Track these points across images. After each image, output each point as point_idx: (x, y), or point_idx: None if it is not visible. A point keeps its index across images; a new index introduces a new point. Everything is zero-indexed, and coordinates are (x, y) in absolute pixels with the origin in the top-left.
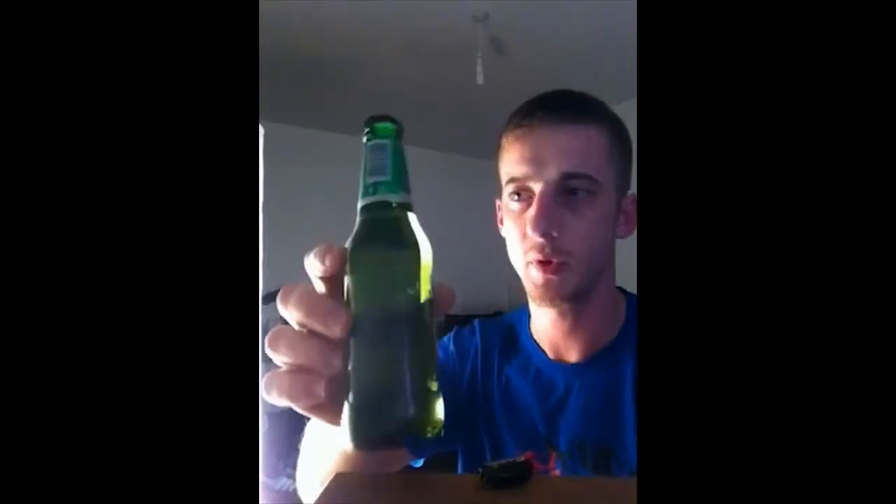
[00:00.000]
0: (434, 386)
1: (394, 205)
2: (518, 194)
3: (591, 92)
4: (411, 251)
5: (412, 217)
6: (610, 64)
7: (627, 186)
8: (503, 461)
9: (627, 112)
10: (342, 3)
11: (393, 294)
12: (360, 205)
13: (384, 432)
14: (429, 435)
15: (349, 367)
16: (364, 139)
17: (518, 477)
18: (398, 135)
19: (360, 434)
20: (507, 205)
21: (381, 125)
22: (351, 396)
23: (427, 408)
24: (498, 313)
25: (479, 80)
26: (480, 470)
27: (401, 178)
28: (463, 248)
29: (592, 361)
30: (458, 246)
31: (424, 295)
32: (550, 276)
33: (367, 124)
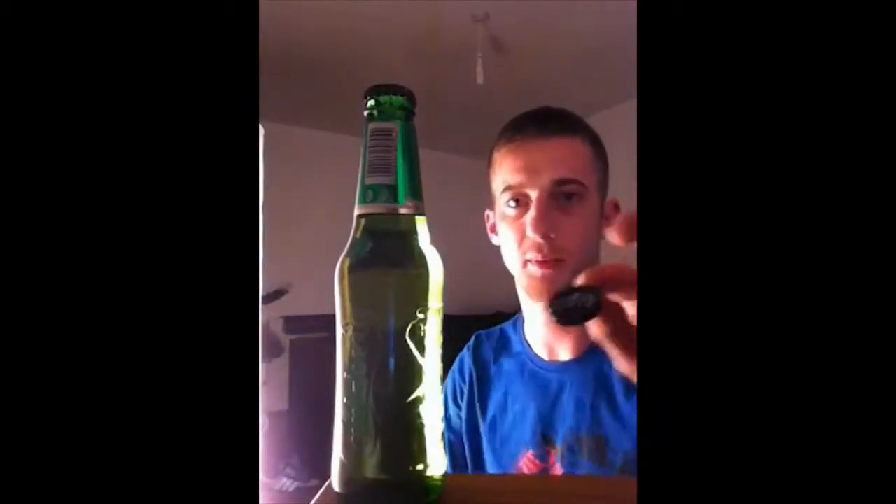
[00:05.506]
0: (438, 432)
1: (399, 217)
2: (516, 200)
3: (590, 92)
4: (417, 273)
5: (421, 228)
6: (610, 64)
7: (606, 192)
8: (574, 294)
9: (627, 112)
10: (342, 3)
11: (393, 322)
12: (357, 210)
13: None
14: (431, 497)
15: (343, 403)
16: (365, 114)
17: (589, 310)
18: (409, 114)
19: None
20: (504, 211)
21: (387, 98)
22: (342, 441)
23: (431, 463)
24: (498, 313)
25: (479, 80)
26: (551, 306)
27: (409, 181)
28: (462, 248)
29: (584, 356)
30: (458, 246)
31: (433, 316)
32: (547, 271)
33: (369, 95)
